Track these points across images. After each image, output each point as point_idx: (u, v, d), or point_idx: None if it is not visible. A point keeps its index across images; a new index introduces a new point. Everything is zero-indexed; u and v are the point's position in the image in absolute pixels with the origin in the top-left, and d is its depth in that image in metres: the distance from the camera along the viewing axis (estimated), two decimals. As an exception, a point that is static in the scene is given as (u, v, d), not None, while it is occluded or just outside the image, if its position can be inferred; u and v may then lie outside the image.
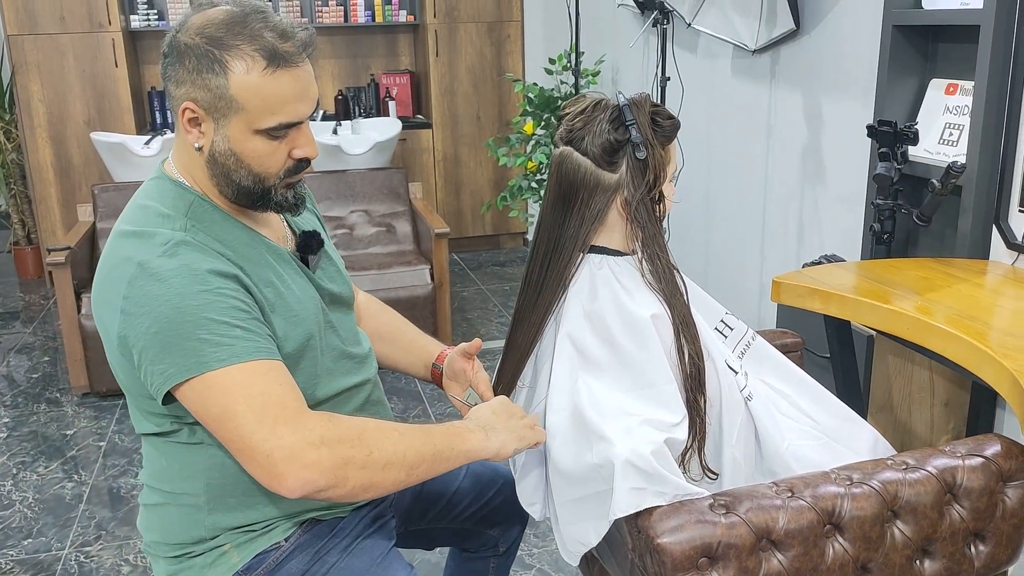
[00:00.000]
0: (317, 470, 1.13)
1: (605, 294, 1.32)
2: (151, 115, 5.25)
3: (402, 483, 1.20)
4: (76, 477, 2.97)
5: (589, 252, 1.36)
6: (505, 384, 1.45)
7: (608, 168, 1.31)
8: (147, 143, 4.15)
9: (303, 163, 1.28)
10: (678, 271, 1.36)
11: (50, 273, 4.39)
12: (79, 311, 3.42)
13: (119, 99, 4.87)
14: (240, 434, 1.14)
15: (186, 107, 1.22)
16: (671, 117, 1.34)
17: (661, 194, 1.34)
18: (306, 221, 1.45)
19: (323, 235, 1.45)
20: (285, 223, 1.41)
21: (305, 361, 1.29)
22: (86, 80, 4.82)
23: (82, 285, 3.49)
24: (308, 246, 1.39)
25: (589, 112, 1.32)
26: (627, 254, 1.37)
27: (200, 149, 1.24)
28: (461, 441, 1.27)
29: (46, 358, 4.02)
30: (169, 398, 1.18)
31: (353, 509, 1.40)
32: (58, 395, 3.62)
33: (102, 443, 3.21)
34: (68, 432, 3.30)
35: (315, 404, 1.31)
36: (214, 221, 1.27)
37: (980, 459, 1.33)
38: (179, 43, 1.21)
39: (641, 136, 1.29)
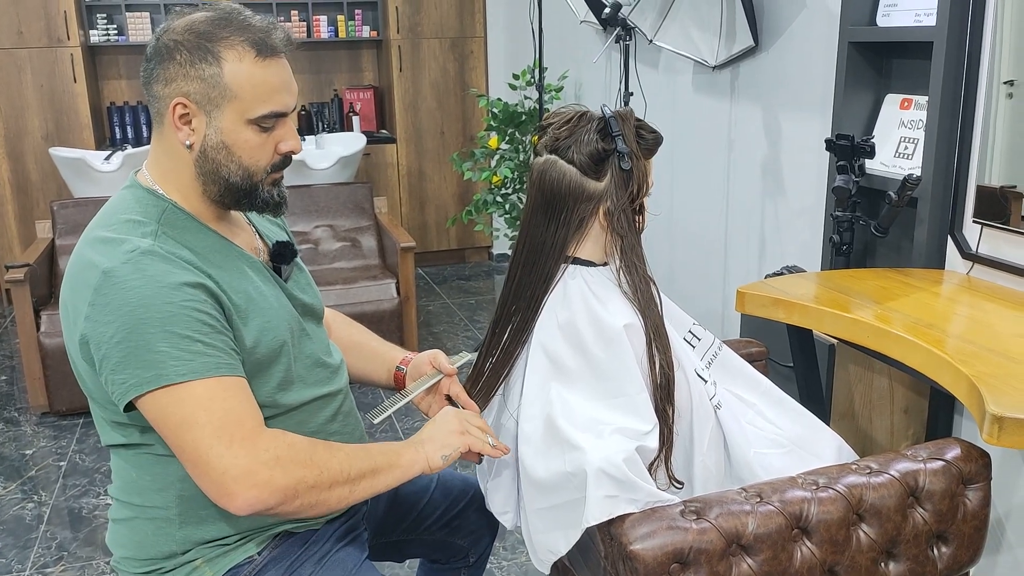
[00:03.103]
0: (268, 489, 1.15)
1: (578, 304, 1.34)
2: (111, 130, 5.19)
3: (346, 500, 1.24)
4: (36, 498, 2.91)
5: (563, 263, 1.37)
6: (484, 395, 1.46)
7: (594, 176, 1.33)
8: (107, 158, 4.10)
9: (288, 158, 1.31)
10: (654, 282, 1.38)
11: (7, 291, 4.30)
12: (38, 329, 3.36)
13: (78, 114, 4.81)
14: (196, 449, 1.14)
15: (178, 103, 1.23)
16: (654, 131, 1.38)
17: (642, 206, 1.37)
18: (275, 233, 1.46)
19: (295, 246, 1.45)
20: (257, 235, 1.41)
21: (278, 367, 1.30)
22: (44, 95, 4.76)
23: (41, 302, 3.44)
24: (282, 255, 1.40)
25: (575, 122, 1.34)
26: (600, 265, 1.39)
27: (191, 147, 1.25)
28: (397, 457, 1.29)
29: (3, 377, 3.94)
30: (131, 406, 1.18)
31: (326, 522, 1.40)
32: (16, 415, 3.55)
33: (62, 463, 3.15)
34: (27, 452, 3.24)
35: (287, 411, 1.31)
36: (187, 228, 1.27)
37: (941, 462, 1.36)
38: (165, 43, 1.23)
39: (627, 147, 1.32)
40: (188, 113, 1.23)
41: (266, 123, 1.25)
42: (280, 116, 1.26)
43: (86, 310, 1.17)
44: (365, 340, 1.65)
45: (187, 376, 1.15)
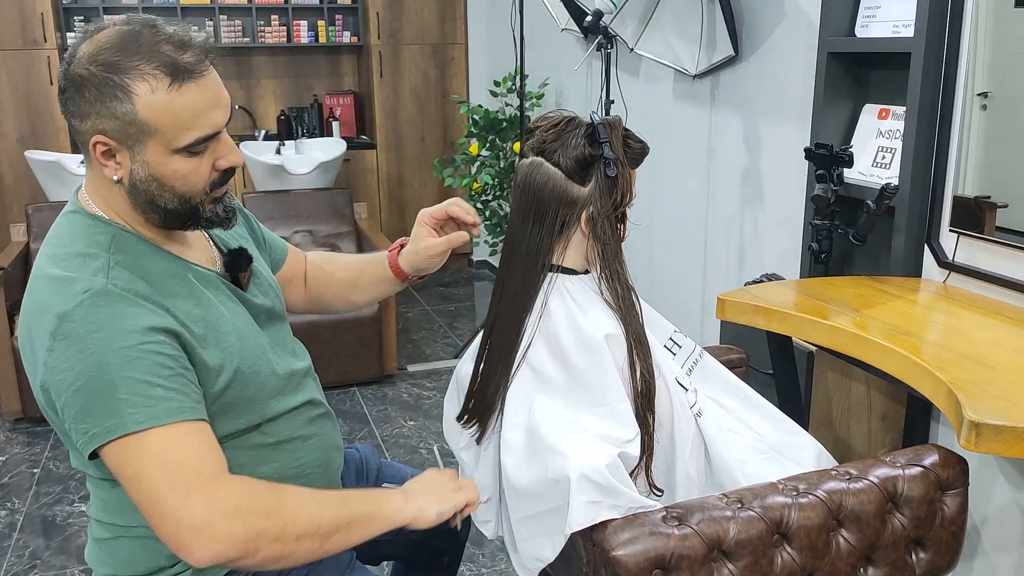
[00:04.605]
0: (228, 542, 1.11)
1: (560, 313, 1.34)
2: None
3: (315, 553, 1.19)
4: (9, 505, 2.87)
5: (545, 271, 1.37)
6: (486, 404, 1.41)
7: (578, 181, 1.33)
8: (83, 162, 4.05)
9: (228, 173, 1.24)
10: (634, 291, 1.39)
11: (-20, 295, 4.24)
12: (12, 333, 3.32)
13: (54, 117, 4.76)
14: (152, 499, 1.11)
15: (96, 141, 1.16)
16: (641, 142, 1.38)
17: (624, 214, 1.38)
18: (235, 237, 1.42)
19: (253, 249, 1.42)
20: (212, 243, 1.37)
21: (250, 387, 1.27)
22: (19, 98, 4.71)
23: (15, 307, 3.39)
24: (236, 264, 1.35)
25: (563, 126, 1.34)
26: (582, 273, 1.39)
27: (120, 181, 1.19)
28: (379, 506, 1.26)
29: (-25, 383, 3.89)
30: (96, 453, 1.15)
31: None
32: (-12, 421, 3.50)
33: (36, 470, 3.11)
34: (0, 458, 3.19)
35: (268, 420, 1.30)
36: (139, 254, 1.22)
37: (919, 468, 1.38)
38: (74, 76, 1.14)
39: (614, 154, 1.33)
40: (110, 149, 1.16)
41: (196, 149, 1.18)
42: (211, 138, 1.19)
43: (44, 355, 1.13)
44: (357, 273, 1.63)
45: (146, 423, 1.10)
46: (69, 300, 1.13)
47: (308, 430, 1.38)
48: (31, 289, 1.20)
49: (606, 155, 1.32)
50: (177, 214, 1.22)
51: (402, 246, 1.58)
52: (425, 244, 1.53)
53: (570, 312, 1.34)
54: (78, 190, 1.28)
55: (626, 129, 1.37)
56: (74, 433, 1.14)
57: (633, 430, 1.30)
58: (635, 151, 1.37)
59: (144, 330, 1.13)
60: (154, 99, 1.13)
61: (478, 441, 1.42)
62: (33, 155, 4.11)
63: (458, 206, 1.52)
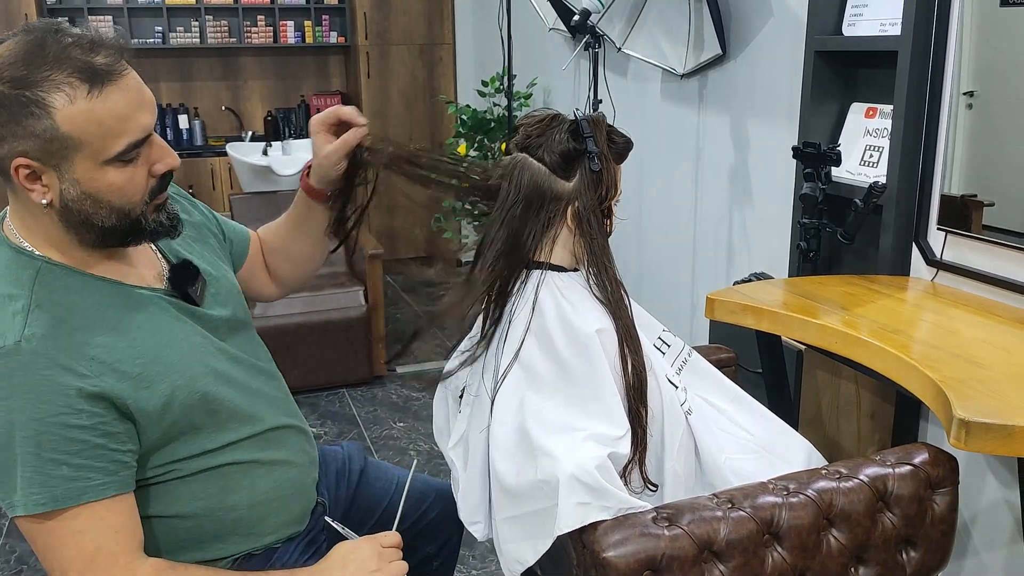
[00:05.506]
0: None
1: (550, 309, 1.33)
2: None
3: None
4: (-7, 510, 2.84)
5: (533, 268, 1.37)
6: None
7: (563, 176, 1.34)
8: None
9: (167, 178, 1.17)
10: (623, 285, 1.39)
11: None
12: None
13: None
14: None
15: (18, 165, 1.06)
16: (625, 136, 1.39)
17: (610, 209, 1.38)
18: (187, 240, 1.34)
19: (210, 251, 1.35)
20: (158, 254, 1.29)
21: (206, 414, 1.22)
22: (3, 99, 4.67)
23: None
24: (183, 279, 1.26)
25: (547, 123, 1.35)
26: (570, 270, 1.39)
27: (49, 205, 1.09)
28: None
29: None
30: None
31: (286, 539, 1.37)
32: (-27, 425, 3.47)
33: (21, 474, 3.08)
34: (-16, 464, 3.16)
35: (229, 444, 1.26)
36: (68, 288, 1.13)
37: (909, 467, 1.37)
38: None
39: (598, 149, 1.33)
40: (33, 171, 1.07)
41: (127, 156, 1.10)
42: (142, 143, 1.11)
43: None
44: (289, 226, 1.56)
45: (46, 506, 1.05)
46: None
47: (277, 454, 1.34)
48: None
49: (590, 149, 1.32)
50: (115, 231, 1.14)
51: (309, 168, 1.50)
52: (325, 151, 1.41)
53: (560, 308, 1.33)
54: (2, 219, 1.18)
55: (610, 125, 1.38)
56: None
57: (624, 426, 1.29)
58: (619, 146, 1.38)
59: (55, 398, 1.05)
60: (74, 109, 1.04)
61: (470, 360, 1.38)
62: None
63: (346, 110, 1.44)
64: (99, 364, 1.10)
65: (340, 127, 1.43)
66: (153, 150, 1.14)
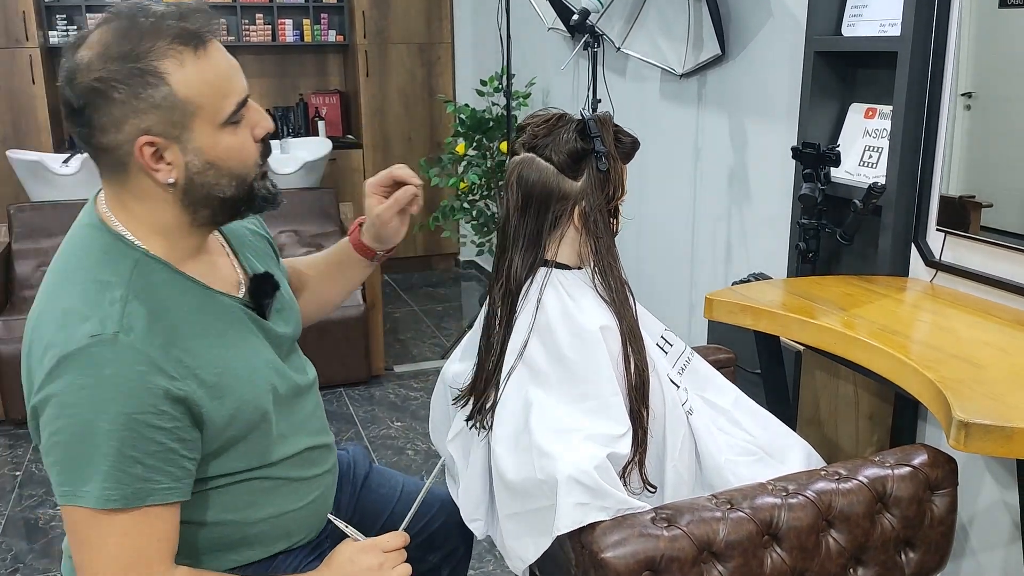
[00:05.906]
0: None
1: (554, 306, 1.33)
2: (69, 133, 5.09)
3: None
4: (-10, 509, 2.84)
5: (539, 266, 1.37)
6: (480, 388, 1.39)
7: (570, 176, 1.33)
8: (65, 161, 4.02)
9: (267, 142, 1.18)
10: (628, 285, 1.39)
11: (-39, 296, 4.19)
12: (-7, 335, 3.28)
13: (36, 116, 4.71)
14: (94, 570, 1.07)
15: (143, 143, 1.06)
16: (632, 136, 1.39)
17: (616, 209, 1.38)
18: (255, 251, 1.35)
19: (276, 271, 1.34)
20: (237, 264, 1.29)
21: (259, 434, 1.21)
22: (1, 97, 4.66)
23: (-3, 308, 3.36)
24: (262, 291, 1.26)
25: (554, 122, 1.34)
26: (575, 269, 1.39)
27: (174, 183, 1.10)
28: None
29: (-44, 385, 3.84)
30: None
31: (285, 548, 1.35)
32: (-30, 424, 3.46)
33: (18, 472, 3.07)
34: (-19, 462, 3.16)
35: (270, 463, 1.25)
36: (163, 284, 1.13)
37: (908, 468, 1.37)
38: (88, 87, 1.05)
39: (605, 149, 1.33)
40: (157, 149, 1.08)
41: (236, 117, 1.11)
42: (244, 104, 1.13)
43: (39, 384, 1.06)
44: (326, 269, 1.57)
45: (116, 503, 1.05)
46: (73, 341, 1.04)
47: (308, 472, 1.34)
48: (40, 305, 1.11)
49: (598, 149, 1.32)
50: (233, 202, 1.15)
51: (360, 225, 1.51)
52: (377, 212, 1.45)
53: (564, 305, 1.33)
54: (95, 199, 1.17)
55: (616, 125, 1.38)
56: (49, 473, 1.09)
57: (625, 425, 1.29)
58: (626, 145, 1.38)
59: (144, 396, 1.05)
60: (186, 72, 1.06)
61: (474, 424, 1.39)
62: (15, 155, 4.06)
63: (400, 169, 1.46)
64: (184, 368, 1.09)
65: (394, 187, 1.46)
66: (251, 113, 1.15)
